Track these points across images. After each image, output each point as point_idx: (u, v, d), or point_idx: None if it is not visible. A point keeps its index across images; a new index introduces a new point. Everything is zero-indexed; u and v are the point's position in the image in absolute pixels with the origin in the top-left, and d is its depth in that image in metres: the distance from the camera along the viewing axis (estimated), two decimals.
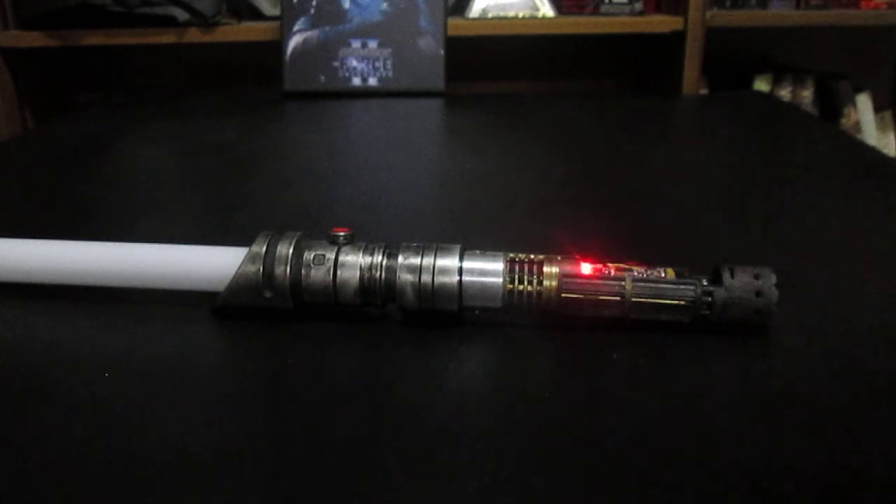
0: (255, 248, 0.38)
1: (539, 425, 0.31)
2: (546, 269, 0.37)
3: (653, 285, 0.36)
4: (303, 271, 0.38)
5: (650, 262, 0.38)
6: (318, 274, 0.37)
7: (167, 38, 1.15)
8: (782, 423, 0.31)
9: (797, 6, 1.32)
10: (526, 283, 0.37)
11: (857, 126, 1.49)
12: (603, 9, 1.26)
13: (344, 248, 0.38)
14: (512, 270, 0.37)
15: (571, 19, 1.25)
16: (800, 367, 0.35)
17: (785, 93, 1.47)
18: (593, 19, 1.25)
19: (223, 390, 0.34)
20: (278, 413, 0.32)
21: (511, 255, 0.38)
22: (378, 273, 0.37)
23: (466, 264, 0.37)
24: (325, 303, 0.38)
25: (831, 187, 0.64)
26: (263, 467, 0.28)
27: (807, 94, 1.48)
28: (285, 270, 0.37)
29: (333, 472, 0.28)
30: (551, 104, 1.07)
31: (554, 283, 0.37)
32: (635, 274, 0.37)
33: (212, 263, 0.39)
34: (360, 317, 0.40)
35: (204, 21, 1.14)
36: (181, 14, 1.13)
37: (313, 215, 0.58)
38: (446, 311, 0.38)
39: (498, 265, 0.37)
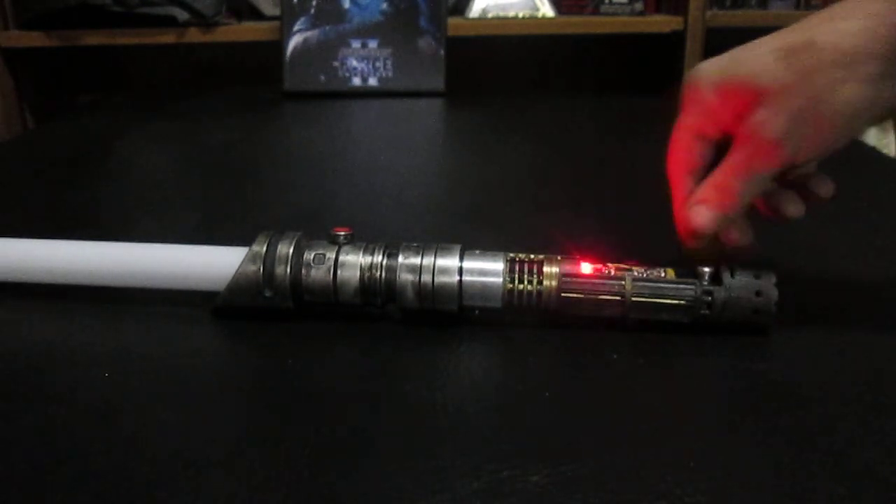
0: (255, 247, 0.38)
1: (539, 425, 0.31)
2: (546, 268, 0.37)
3: (653, 285, 0.36)
4: (303, 271, 0.38)
5: (650, 262, 0.38)
6: (318, 273, 0.37)
7: (167, 38, 1.15)
8: (782, 422, 0.31)
9: (797, 6, 1.32)
10: (526, 282, 0.37)
11: None
12: (603, 9, 1.26)
13: (344, 248, 0.38)
14: (512, 270, 0.37)
15: (571, 19, 1.24)
16: (799, 367, 0.35)
17: None
18: (593, 19, 1.24)
19: (223, 390, 0.34)
20: (278, 413, 0.32)
21: (511, 254, 0.38)
22: (378, 273, 0.37)
23: (466, 264, 0.37)
24: (326, 302, 0.38)
25: None
26: (263, 467, 0.28)
27: None
28: (286, 270, 0.37)
29: (333, 471, 0.28)
30: (551, 104, 1.07)
31: (554, 283, 0.37)
32: (635, 274, 0.37)
33: (212, 263, 0.39)
34: (360, 317, 0.40)
35: (204, 21, 1.14)
36: (181, 14, 1.13)
37: (313, 215, 0.58)
38: (446, 311, 0.38)
39: (498, 265, 0.37)
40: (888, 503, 0.26)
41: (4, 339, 0.38)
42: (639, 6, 1.25)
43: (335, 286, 0.38)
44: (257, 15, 1.25)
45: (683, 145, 0.38)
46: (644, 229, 0.55)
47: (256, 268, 0.38)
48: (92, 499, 0.26)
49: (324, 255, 0.38)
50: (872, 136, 1.51)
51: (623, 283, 0.36)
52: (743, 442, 0.29)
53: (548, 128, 0.93)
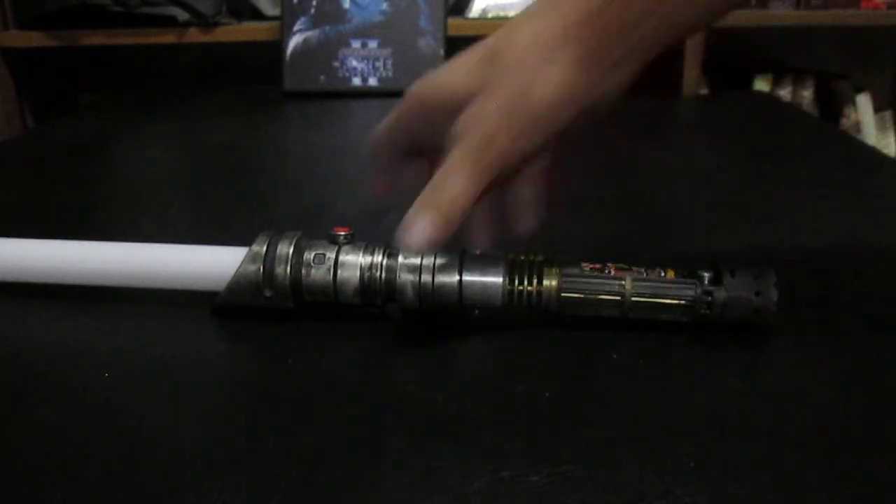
0: (255, 247, 0.38)
1: (539, 425, 0.31)
2: (546, 268, 0.37)
3: (653, 285, 0.36)
4: (303, 271, 0.38)
5: (650, 262, 0.38)
6: (318, 273, 0.37)
7: (167, 38, 1.15)
8: (783, 422, 0.31)
9: (797, 6, 1.32)
10: (526, 282, 0.37)
11: (857, 126, 1.49)
12: None
13: (344, 248, 0.38)
14: (512, 270, 0.37)
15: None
16: (799, 367, 0.35)
17: (785, 93, 1.47)
18: None
19: (223, 390, 0.34)
20: (278, 413, 0.32)
21: (511, 255, 0.38)
22: (378, 273, 0.37)
23: (466, 264, 0.37)
24: (326, 302, 0.38)
25: (831, 187, 0.64)
26: (263, 467, 0.28)
27: (807, 94, 1.48)
28: (285, 270, 0.37)
29: (333, 472, 0.28)
30: None
31: (554, 283, 0.37)
32: (635, 274, 0.37)
33: (212, 263, 0.39)
34: (360, 317, 0.40)
35: (204, 21, 1.14)
36: (181, 14, 1.13)
37: (313, 215, 0.58)
38: (446, 311, 0.38)
39: (498, 265, 0.37)
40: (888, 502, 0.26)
41: (4, 339, 0.38)
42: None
43: (335, 286, 0.38)
44: (257, 15, 1.26)
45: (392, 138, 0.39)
46: (644, 229, 0.55)
47: (256, 268, 0.38)
48: (91, 499, 0.26)
49: (324, 255, 0.38)
50: (872, 136, 1.51)
51: (623, 282, 0.36)
52: (743, 442, 0.29)
53: None
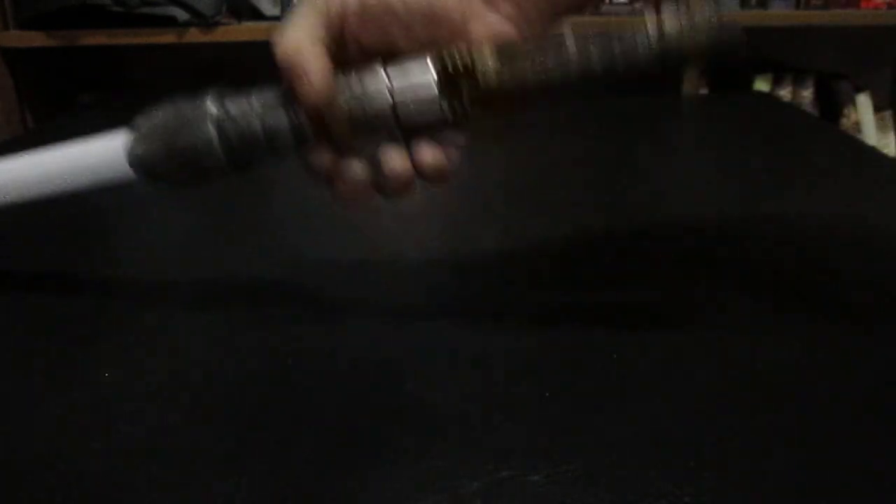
0: (171, 108, 0.37)
1: (539, 425, 0.31)
2: (476, 47, 0.34)
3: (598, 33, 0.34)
4: (228, 125, 0.35)
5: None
6: (247, 124, 0.35)
7: (167, 38, 1.15)
8: (782, 423, 0.31)
9: (797, 6, 1.32)
10: (459, 63, 0.34)
11: (857, 126, 1.49)
12: (603, 9, 1.26)
13: (266, 93, 0.35)
14: (442, 61, 0.34)
15: (571, 19, 1.24)
16: (800, 369, 0.35)
17: (785, 93, 1.47)
18: (593, 19, 1.25)
19: (222, 390, 0.34)
20: (277, 413, 0.32)
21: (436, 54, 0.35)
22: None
23: (391, 70, 0.34)
24: (259, 153, 0.36)
25: (831, 187, 0.64)
26: (263, 468, 0.28)
27: (807, 94, 1.48)
28: (211, 125, 0.35)
29: (333, 472, 0.28)
30: (550, 104, 1.07)
31: (489, 53, 0.34)
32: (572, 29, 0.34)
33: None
34: (359, 316, 0.40)
35: (204, 21, 1.14)
36: (181, 14, 1.13)
37: (312, 214, 0.58)
38: (384, 130, 0.35)
39: (424, 60, 0.34)
40: (886, 492, 0.26)
41: (4, 339, 0.38)
42: (639, 6, 1.25)
43: (266, 134, 0.35)
44: (257, 15, 1.26)
45: None
46: (644, 229, 0.55)
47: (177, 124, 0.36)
48: (91, 499, 0.26)
49: (249, 103, 0.35)
50: (872, 136, 1.51)
51: (564, 34, 0.34)
52: (743, 442, 0.29)
53: (547, 128, 0.93)
